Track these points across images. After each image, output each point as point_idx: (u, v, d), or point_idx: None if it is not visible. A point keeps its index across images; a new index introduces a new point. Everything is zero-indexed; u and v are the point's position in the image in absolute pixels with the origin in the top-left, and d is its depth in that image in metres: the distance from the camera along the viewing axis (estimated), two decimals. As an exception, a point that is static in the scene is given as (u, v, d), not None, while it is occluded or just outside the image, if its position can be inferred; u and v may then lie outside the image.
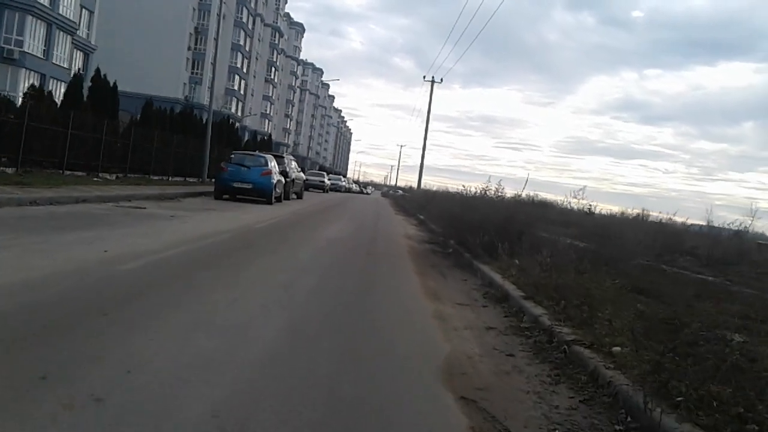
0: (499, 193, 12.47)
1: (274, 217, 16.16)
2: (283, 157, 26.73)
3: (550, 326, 5.76)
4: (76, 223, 10.09)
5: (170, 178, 26.43)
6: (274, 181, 21.82)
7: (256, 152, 24.94)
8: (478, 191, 13.55)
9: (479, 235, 10.91)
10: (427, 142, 45.31)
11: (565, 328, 5.69)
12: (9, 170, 15.72)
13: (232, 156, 22.27)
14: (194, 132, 29.76)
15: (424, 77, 45.41)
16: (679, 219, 14.58)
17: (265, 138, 51.27)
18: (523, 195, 12.12)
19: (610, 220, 13.77)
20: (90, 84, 21.55)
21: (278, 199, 23.32)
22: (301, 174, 30.10)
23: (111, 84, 22.24)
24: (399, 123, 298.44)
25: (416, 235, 17.05)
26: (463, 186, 14.22)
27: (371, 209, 31.76)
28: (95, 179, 18.92)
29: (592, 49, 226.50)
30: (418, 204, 30.84)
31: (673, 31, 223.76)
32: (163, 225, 11.23)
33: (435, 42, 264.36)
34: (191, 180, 28.27)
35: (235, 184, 20.94)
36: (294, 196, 28.17)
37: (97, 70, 22.14)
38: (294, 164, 28.54)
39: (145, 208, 14.19)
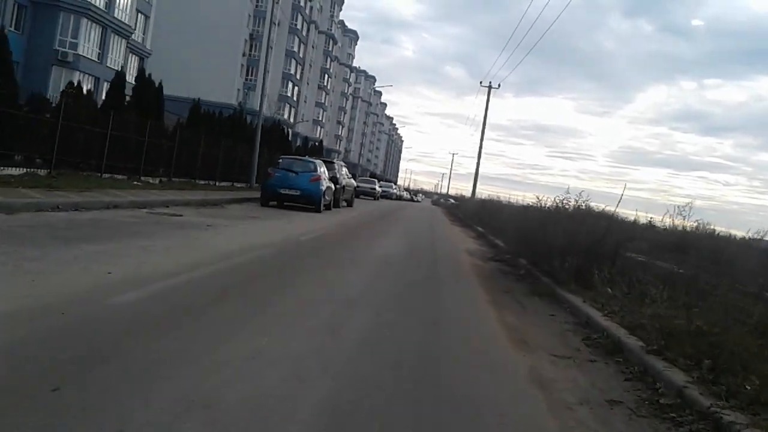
0: (582, 207, 10.54)
1: (322, 228, 14.55)
2: (334, 163, 25.25)
3: (711, 410, 3.91)
4: (92, 233, 8.63)
5: (217, 183, 25.21)
6: (324, 188, 20.28)
7: (306, 157, 23.48)
8: (554, 204, 11.61)
9: (562, 256, 9.03)
10: (481, 148, 43.31)
11: (735, 413, 3.83)
12: (41, 172, 14.54)
13: (280, 161, 20.85)
14: (243, 136, 28.56)
15: (481, 83, 43.51)
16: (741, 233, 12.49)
17: (316, 144, 50.06)
18: (610, 209, 10.15)
19: (709, 239, 11.70)
20: (134, 84, 20.40)
21: (327, 207, 21.78)
22: (352, 181, 28.57)
23: (156, 84, 21.08)
24: (450, 131, 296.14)
25: (478, 250, 15.19)
26: (537, 197, 12.19)
27: (425, 219, 30.01)
28: (135, 183, 17.69)
29: (649, 58, 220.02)
30: (474, 214, 28.92)
31: (734, 40, 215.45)
32: (194, 237, 9.70)
33: (487, 51, 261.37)
34: (239, 185, 27.04)
35: (283, 191, 19.48)
36: (344, 204, 26.62)
37: (142, 70, 21.07)
38: (345, 170, 27.03)
39: (181, 215, 12.77)
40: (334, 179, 23.52)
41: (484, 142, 43.04)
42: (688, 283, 8.44)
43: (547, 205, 11.65)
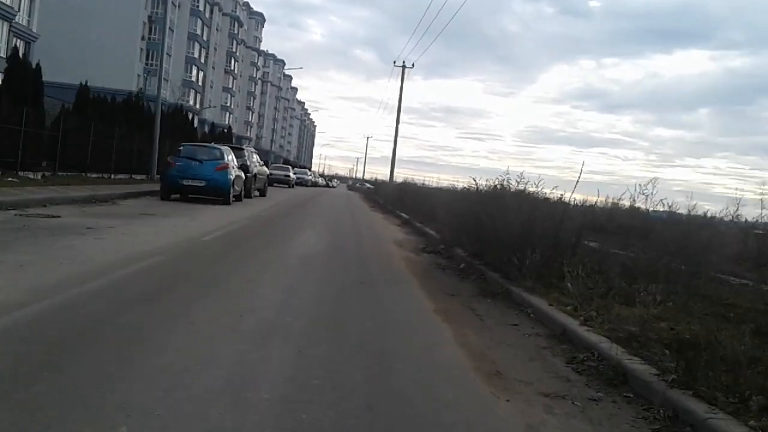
0: (526, 190, 9.22)
1: (231, 224, 12.68)
2: (243, 150, 23.19)
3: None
4: None
5: (112, 176, 22.65)
6: (232, 177, 18.30)
7: (211, 144, 21.32)
8: (492, 186, 10.27)
9: (515, 247, 7.67)
10: (397, 131, 42.04)
11: None
12: None
13: (182, 148, 18.65)
14: (142, 124, 25.90)
15: (395, 62, 42.23)
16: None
17: (225, 130, 47.35)
18: (566, 197, 8.87)
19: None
20: (6, 66, 17.62)
21: (238, 198, 19.81)
22: (265, 168, 26.47)
23: (33, 66, 18.36)
24: (362, 115, 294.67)
25: (407, 240, 13.74)
26: (474, 180, 10.81)
27: (344, 206, 28.41)
28: (10, 179, 15.17)
29: (551, 39, 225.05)
30: (394, 198, 27.57)
31: (629, 20, 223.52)
32: (64, 245, 7.71)
33: (396, 34, 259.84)
34: (138, 178, 24.51)
35: (185, 182, 17.37)
36: (257, 194, 24.65)
37: (15, 50, 18.31)
38: (256, 157, 24.98)
39: (59, 216, 10.64)
40: (244, 167, 21.52)
41: (395, 126, 41.77)
42: (656, 272, 7.28)
43: (484, 189, 10.27)
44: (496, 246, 8.19)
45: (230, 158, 19.19)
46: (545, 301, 6.59)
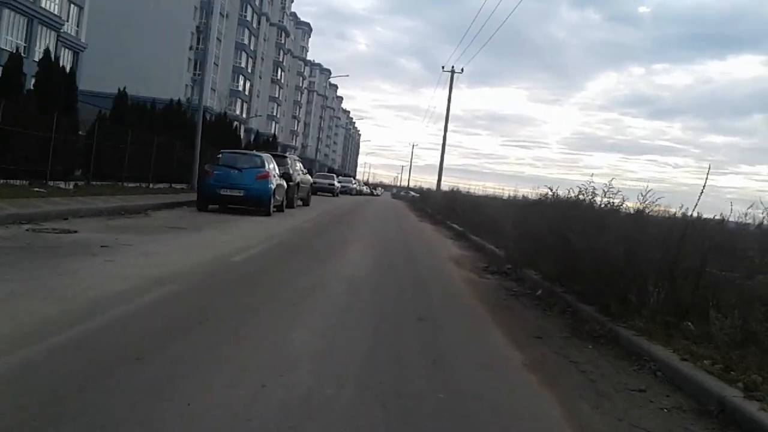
0: (617, 204, 7.48)
1: (269, 238, 11.24)
2: (286, 157, 21.89)
3: None
4: None
5: (150, 185, 21.56)
6: (273, 186, 16.93)
7: (252, 152, 20.03)
8: (574, 196, 8.53)
9: (620, 275, 5.97)
10: (445, 138, 40.33)
11: None
12: None
13: (220, 156, 17.38)
14: (183, 132, 24.86)
15: (443, 67, 40.39)
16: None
17: (269, 139, 46.39)
18: (639, 206, 7.10)
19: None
20: (37, 70, 16.63)
21: (279, 209, 18.45)
22: (308, 177, 25.13)
23: (68, 70, 17.37)
24: (407, 124, 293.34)
25: (465, 257, 12.06)
26: (550, 189, 9.05)
27: (390, 216, 26.84)
28: (37, 189, 14.08)
29: (598, 46, 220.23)
30: (444, 208, 25.88)
31: (679, 26, 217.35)
32: (64, 271, 6.31)
33: (440, 43, 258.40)
34: (179, 187, 23.42)
35: (223, 192, 16.06)
36: (300, 203, 23.32)
37: (46, 52, 17.30)
38: (299, 165, 23.65)
39: (75, 231, 9.35)
40: (286, 176, 20.19)
41: (441, 134, 40.11)
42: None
43: (565, 199, 8.52)
44: (591, 272, 6.47)
45: (271, 166, 17.85)
46: (671, 351, 4.87)
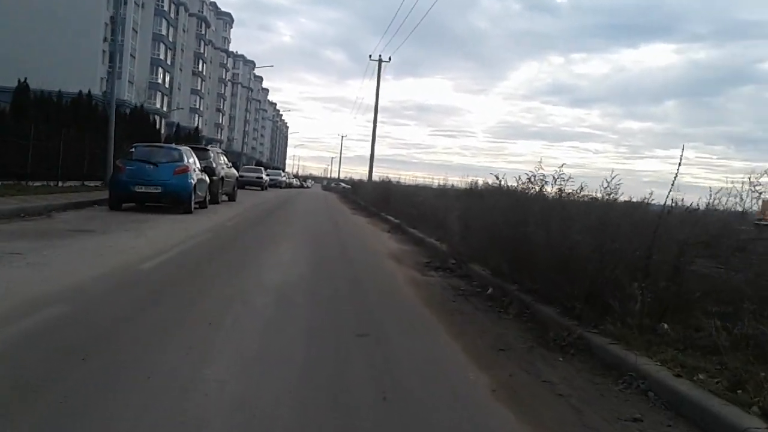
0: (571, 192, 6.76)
1: (186, 239, 10.04)
2: (208, 150, 20.48)
3: None
4: None
5: (60, 183, 19.71)
6: (194, 182, 15.61)
7: (169, 145, 18.53)
8: (526, 186, 7.77)
9: (587, 273, 5.23)
10: (375, 128, 39.47)
11: None
12: None
13: (134, 150, 15.86)
14: (96, 126, 23.00)
15: (370, 56, 39.54)
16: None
17: (191, 132, 44.30)
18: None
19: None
20: None
21: (201, 205, 17.14)
22: (233, 170, 23.66)
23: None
24: (335, 116, 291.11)
25: (405, 252, 11.20)
26: (497, 178, 8.23)
27: (322, 209, 25.79)
28: None
29: (519, 36, 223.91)
30: (377, 199, 25.05)
31: (595, 16, 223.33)
32: None
33: (366, 35, 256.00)
34: (92, 184, 21.59)
35: (138, 188, 14.62)
36: (225, 198, 21.95)
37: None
38: (223, 159, 22.24)
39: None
40: (209, 170, 18.84)
41: (370, 124, 39.27)
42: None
43: (516, 188, 7.74)
44: (551, 268, 5.70)
45: (191, 160, 16.50)
46: (658, 363, 4.14)
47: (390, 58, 39.06)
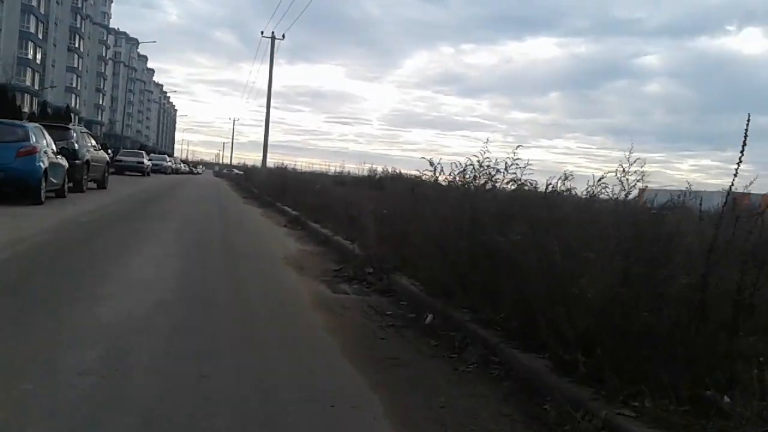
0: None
1: (10, 245, 7.34)
2: (69, 130, 17.13)
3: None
4: None
5: None
6: (44, 165, 12.60)
7: (11, 120, 15.16)
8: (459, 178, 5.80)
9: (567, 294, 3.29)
10: (269, 110, 36.62)
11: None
12: None
13: (-37, 128, 12.65)
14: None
15: (262, 33, 36.47)
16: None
17: (62, 111, 39.50)
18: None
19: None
20: None
21: (59, 193, 14.17)
22: (103, 154, 20.13)
23: None
24: (226, 99, 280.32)
25: (307, 255, 8.97)
26: (431, 163, 6.10)
27: (210, 197, 22.96)
28: None
29: (411, 24, 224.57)
30: (272, 187, 22.59)
31: (483, 7, 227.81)
32: None
33: (258, 17, 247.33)
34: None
35: (-32, 175, 11.52)
36: (93, 185, 18.79)
37: None
38: (91, 141, 18.87)
39: None
40: (69, 152, 15.77)
41: (262, 109, 36.47)
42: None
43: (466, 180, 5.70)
44: (539, 297, 3.76)
45: (44, 141, 13.45)
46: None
47: (284, 36, 36.22)
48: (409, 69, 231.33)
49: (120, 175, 34.04)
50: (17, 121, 14.51)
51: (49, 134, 15.84)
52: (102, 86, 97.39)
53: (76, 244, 8.28)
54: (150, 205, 16.47)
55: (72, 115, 47.91)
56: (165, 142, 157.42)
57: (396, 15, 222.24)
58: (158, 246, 8.63)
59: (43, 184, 12.55)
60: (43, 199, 12.47)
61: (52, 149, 13.82)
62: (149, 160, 41.33)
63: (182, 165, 72.66)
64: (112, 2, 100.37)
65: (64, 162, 14.48)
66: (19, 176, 12.00)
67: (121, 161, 36.04)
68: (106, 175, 20.00)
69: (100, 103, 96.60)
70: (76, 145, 16.43)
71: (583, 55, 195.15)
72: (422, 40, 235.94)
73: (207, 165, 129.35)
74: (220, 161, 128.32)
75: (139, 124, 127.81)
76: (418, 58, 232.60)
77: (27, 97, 62.78)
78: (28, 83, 65.91)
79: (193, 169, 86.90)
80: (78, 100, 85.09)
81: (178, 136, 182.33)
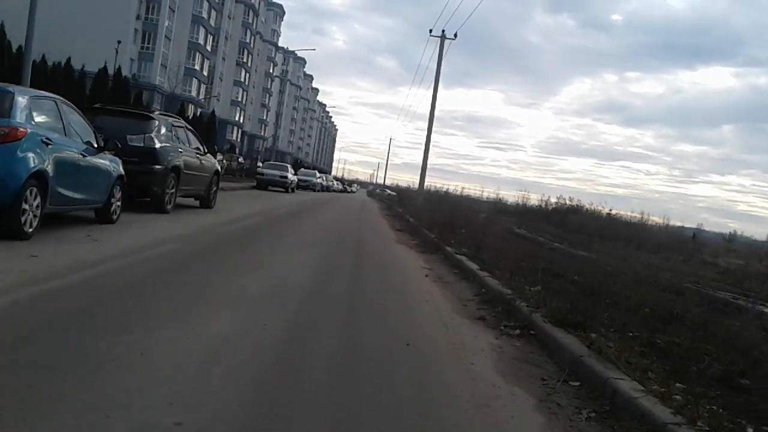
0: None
1: None
2: (149, 120, 11.21)
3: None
4: None
5: None
6: (34, 166, 6.66)
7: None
8: None
9: None
10: (432, 119, 30.11)
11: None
12: None
13: None
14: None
15: (431, 31, 30.13)
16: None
17: (183, 103, 35.56)
18: None
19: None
20: None
21: (103, 217, 8.40)
22: (210, 160, 14.17)
23: None
24: (383, 122, 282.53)
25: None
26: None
27: (352, 228, 16.37)
28: None
29: (573, 52, 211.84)
30: (434, 220, 15.80)
31: (651, 35, 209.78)
32: None
33: (419, 43, 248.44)
34: None
35: None
36: (194, 203, 13.21)
37: None
38: (189, 140, 13.07)
39: None
40: (146, 153, 10.15)
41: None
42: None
43: None
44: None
45: (75, 119, 7.70)
46: None
47: (456, 35, 29.68)
48: (568, 96, 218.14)
49: (261, 190, 29.15)
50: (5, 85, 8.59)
51: (115, 123, 10.26)
52: (267, 102, 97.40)
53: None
54: (259, 236, 10.19)
55: (217, 118, 44.94)
56: (324, 160, 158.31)
57: (557, 42, 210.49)
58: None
59: (31, 202, 6.62)
60: (26, 233, 6.55)
61: (82, 140, 7.98)
62: (294, 174, 36.43)
63: (334, 182, 68.54)
64: (281, 20, 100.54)
65: (110, 164, 8.58)
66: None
67: (262, 174, 31.32)
68: (214, 189, 14.21)
69: (264, 118, 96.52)
70: (155, 142, 10.66)
71: (763, 86, 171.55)
72: (583, 67, 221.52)
73: (361, 184, 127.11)
74: (374, 181, 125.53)
75: (301, 141, 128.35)
76: (578, 85, 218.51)
77: (191, 107, 61.88)
78: (193, 93, 65.26)
79: (348, 187, 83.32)
80: (243, 115, 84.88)
81: (336, 155, 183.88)
